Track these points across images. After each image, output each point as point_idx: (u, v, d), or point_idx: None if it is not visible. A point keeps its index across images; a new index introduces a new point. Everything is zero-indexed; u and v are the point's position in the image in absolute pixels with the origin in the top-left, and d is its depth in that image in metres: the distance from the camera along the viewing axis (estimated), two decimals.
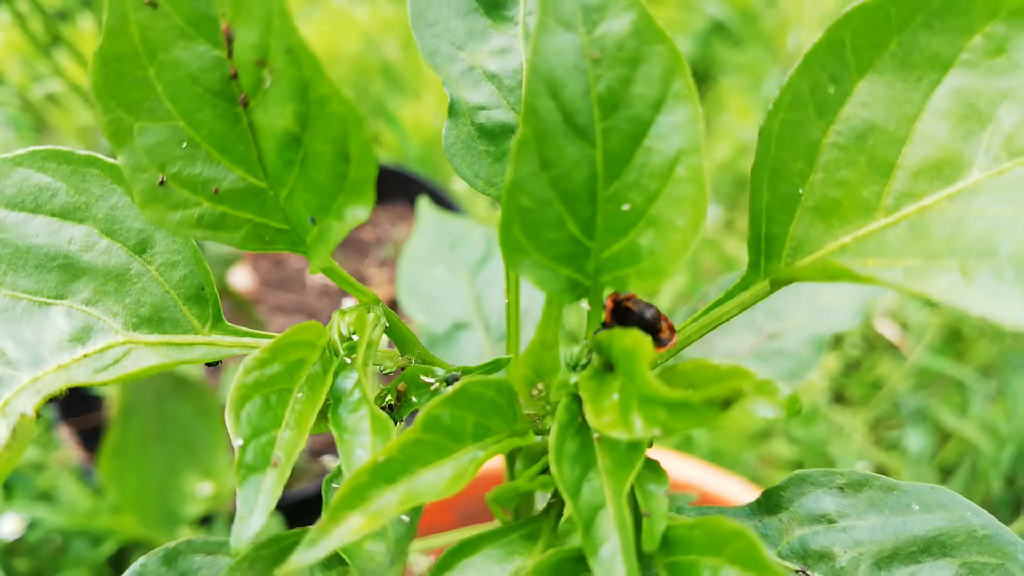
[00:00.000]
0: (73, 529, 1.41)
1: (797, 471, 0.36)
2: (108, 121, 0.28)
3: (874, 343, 1.57)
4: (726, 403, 0.24)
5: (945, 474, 1.43)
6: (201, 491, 1.30)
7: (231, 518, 1.32)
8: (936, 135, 0.28)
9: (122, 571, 1.38)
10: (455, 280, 0.78)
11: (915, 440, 1.46)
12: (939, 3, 0.28)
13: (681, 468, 0.82)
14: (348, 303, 1.53)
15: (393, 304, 1.55)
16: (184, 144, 0.29)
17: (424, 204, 0.87)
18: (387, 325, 0.35)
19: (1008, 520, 1.37)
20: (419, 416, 0.29)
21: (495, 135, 0.42)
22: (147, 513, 1.36)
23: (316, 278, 1.76)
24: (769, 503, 0.36)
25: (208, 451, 1.36)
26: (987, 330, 1.46)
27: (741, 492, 0.87)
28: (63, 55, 1.23)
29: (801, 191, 0.30)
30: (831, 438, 1.53)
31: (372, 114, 2.03)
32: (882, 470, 1.47)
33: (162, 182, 0.29)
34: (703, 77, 1.88)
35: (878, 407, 1.54)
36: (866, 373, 1.55)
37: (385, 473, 0.28)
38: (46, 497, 1.46)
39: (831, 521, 0.35)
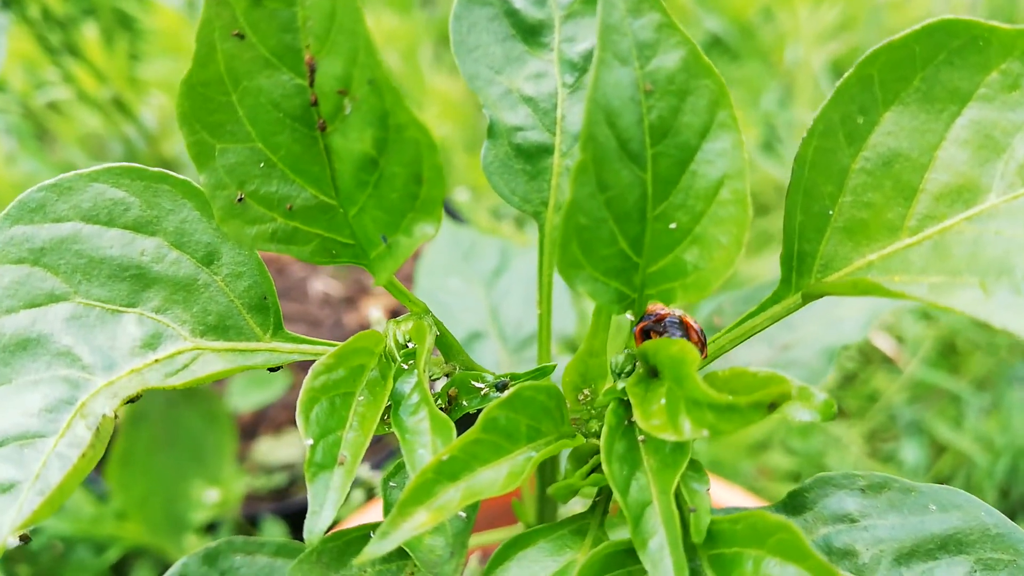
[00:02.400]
0: (77, 536, 1.41)
1: (820, 474, 0.39)
2: (192, 142, 0.31)
3: (870, 356, 1.60)
4: (772, 406, 0.26)
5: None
6: (208, 498, 1.31)
7: (237, 525, 1.33)
8: (956, 162, 0.31)
9: None
10: (470, 291, 0.81)
11: (911, 452, 1.48)
12: (960, 42, 0.30)
13: None
14: (349, 315, 1.52)
15: (396, 314, 1.57)
16: (262, 164, 0.31)
17: None
18: (437, 332, 0.37)
19: None
20: (479, 418, 0.31)
21: (531, 155, 0.45)
22: (154, 520, 1.37)
23: (317, 287, 1.78)
24: (794, 503, 0.38)
25: (215, 458, 1.37)
26: (982, 344, 1.49)
27: (741, 502, 0.90)
28: (70, 62, 1.25)
29: (831, 212, 0.33)
30: (828, 449, 1.55)
31: None
32: None
33: (240, 199, 0.31)
34: None
35: (874, 419, 1.57)
36: (862, 385, 1.58)
37: (448, 471, 0.30)
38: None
39: (853, 520, 0.37)
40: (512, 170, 0.45)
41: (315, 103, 0.30)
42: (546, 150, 0.45)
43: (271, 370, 0.37)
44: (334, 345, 0.38)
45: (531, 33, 0.46)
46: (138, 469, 1.30)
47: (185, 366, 0.35)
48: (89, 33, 1.49)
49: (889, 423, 1.57)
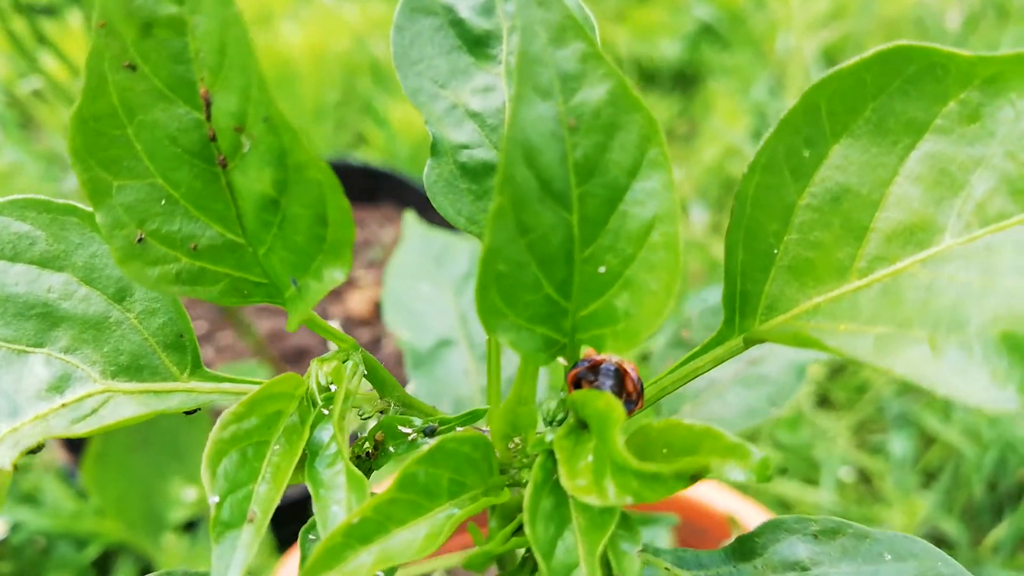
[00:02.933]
0: (57, 531, 1.40)
1: (772, 517, 0.37)
2: (87, 179, 0.28)
3: None
4: (695, 477, 0.24)
5: (928, 478, 1.45)
6: (186, 496, 1.30)
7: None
8: (909, 200, 0.29)
9: (107, 574, 1.37)
10: (440, 296, 0.79)
11: (899, 444, 1.47)
12: (915, 70, 0.28)
13: None
14: (334, 307, 1.50)
15: (379, 307, 1.55)
16: (163, 201, 0.29)
17: (410, 217, 0.87)
18: (365, 372, 0.35)
19: (990, 525, 1.39)
20: (396, 475, 0.29)
21: (477, 173, 0.42)
22: (132, 518, 1.36)
23: None
24: (743, 549, 0.37)
25: (194, 456, 1.35)
26: None
27: (727, 501, 0.88)
28: (48, 53, 1.22)
29: (776, 251, 0.30)
30: (816, 442, 1.54)
31: (360, 113, 2.03)
32: (866, 474, 1.49)
33: (140, 239, 0.29)
34: (691, 80, 1.88)
35: (862, 411, 1.56)
36: (851, 377, 1.56)
37: (359, 534, 0.28)
38: (30, 499, 1.45)
39: (804, 568, 0.35)
40: (457, 190, 0.43)
41: (214, 138, 0.27)
42: (493, 168, 0.42)
43: (187, 413, 0.35)
44: (259, 383, 0.36)
45: (478, 44, 0.44)
46: (114, 468, 1.29)
47: (94, 411, 0.33)
48: (73, 21, 1.46)
49: (877, 415, 1.55)
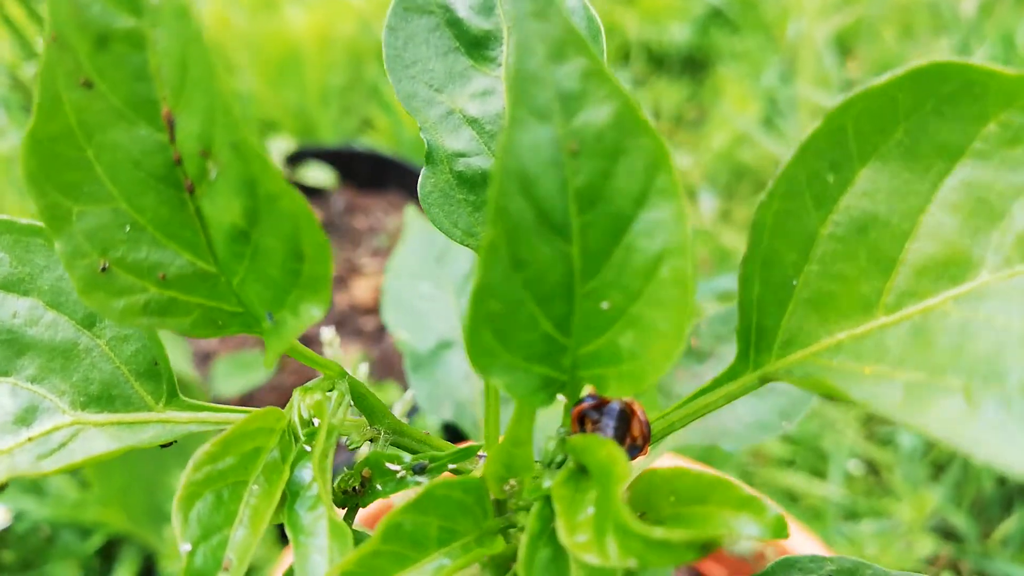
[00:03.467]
0: (61, 521, 1.40)
1: (785, 556, 0.34)
2: (44, 206, 0.26)
3: None
4: (707, 546, 0.22)
5: (938, 470, 1.43)
6: None
7: None
8: (943, 230, 0.26)
9: (111, 563, 1.37)
10: (441, 296, 0.76)
11: (908, 436, 1.45)
12: (951, 89, 0.25)
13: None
14: (339, 296, 1.48)
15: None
16: (128, 228, 0.27)
17: (411, 213, 0.84)
18: (351, 403, 0.33)
19: (999, 518, 1.37)
20: (379, 525, 0.27)
21: (475, 183, 0.40)
22: (134, 510, 1.35)
23: None
24: None
25: (198, 448, 1.33)
26: None
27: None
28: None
29: (795, 283, 0.28)
30: (824, 433, 1.52)
31: (366, 98, 2.00)
32: (874, 467, 1.46)
33: (104, 268, 0.27)
34: (701, 65, 1.85)
35: None
36: None
37: None
38: (34, 488, 1.45)
39: None
40: (454, 200, 0.40)
41: (179, 162, 0.25)
42: None
43: (163, 446, 0.32)
44: (241, 411, 0.34)
45: (476, 45, 0.41)
46: (116, 460, 1.28)
47: (62, 444, 0.31)
48: None
49: None
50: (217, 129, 0.23)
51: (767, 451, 1.49)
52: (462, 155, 0.40)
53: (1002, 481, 1.40)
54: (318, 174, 1.77)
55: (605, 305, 0.26)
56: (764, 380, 0.29)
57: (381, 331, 1.61)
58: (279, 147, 1.74)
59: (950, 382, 0.24)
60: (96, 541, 1.34)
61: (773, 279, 0.28)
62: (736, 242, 1.65)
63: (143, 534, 1.34)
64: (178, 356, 1.45)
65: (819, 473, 1.47)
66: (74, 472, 1.37)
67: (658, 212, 0.25)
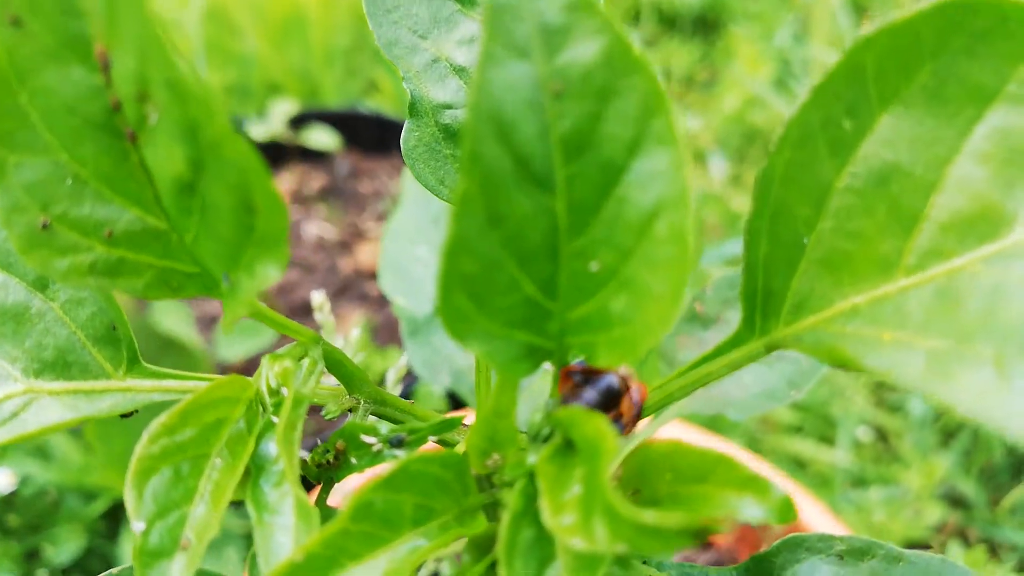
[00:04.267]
0: (66, 485, 1.40)
1: (792, 535, 0.32)
2: None
3: None
4: (703, 532, 0.19)
5: (947, 437, 1.41)
6: None
7: None
8: (972, 183, 0.23)
9: (117, 526, 1.36)
10: (438, 259, 0.74)
11: (918, 403, 1.43)
12: (983, 25, 0.22)
13: (678, 436, 0.79)
14: (344, 260, 1.45)
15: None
16: (69, 181, 0.24)
17: (409, 175, 0.82)
18: (324, 371, 0.30)
19: (1008, 486, 1.35)
20: (349, 502, 0.25)
21: (463, 137, 0.37)
22: None
23: (311, 231, 1.71)
24: (759, 569, 0.32)
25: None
26: None
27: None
28: None
29: (806, 241, 0.25)
30: (833, 400, 1.50)
31: (371, 60, 1.96)
32: (883, 433, 1.44)
33: (45, 225, 0.25)
34: (713, 25, 1.80)
35: None
36: None
37: (306, 572, 0.24)
38: (39, 452, 1.45)
39: None
40: (440, 155, 0.37)
41: (118, 107, 0.22)
42: None
43: (124, 416, 0.30)
44: (207, 379, 0.32)
45: None
46: (117, 425, 1.27)
47: (15, 414, 0.29)
48: None
49: None
50: (151, 66, 0.21)
51: (775, 418, 1.48)
52: (448, 107, 0.37)
53: (1012, 449, 1.38)
54: (322, 137, 1.74)
55: (594, 266, 0.23)
56: (771, 348, 0.27)
57: (386, 297, 1.59)
58: (283, 109, 1.71)
59: (979, 350, 0.21)
60: (101, 505, 1.35)
61: (782, 236, 0.25)
62: (747, 207, 1.62)
63: None
64: (180, 320, 1.44)
65: (827, 440, 1.45)
66: (78, 436, 1.37)
67: (653, 161, 0.22)
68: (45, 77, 0.22)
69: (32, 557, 1.33)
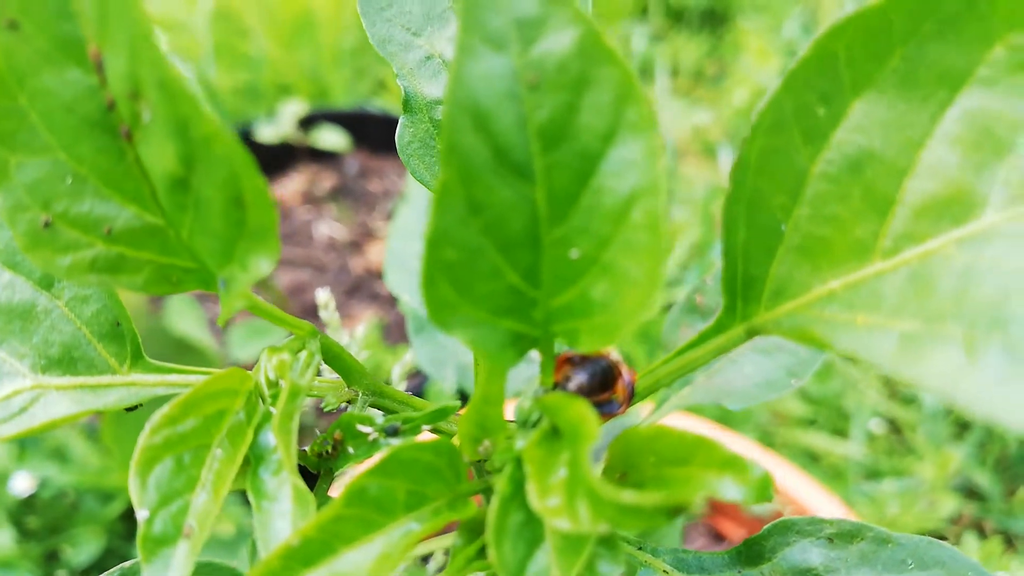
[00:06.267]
0: (84, 487, 1.42)
1: (782, 518, 0.33)
2: None
3: None
4: (677, 509, 0.20)
5: (961, 429, 1.40)
6: None
7: None
8: (944, 166, 0.24)
9: (135, 527, 1.39)
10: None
11: (931, 395, 1.42)
12: (952, 9, 0.23)
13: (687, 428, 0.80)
14: (355, 260, 1.47)
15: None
16: (69, 180, 0.25)
17: None
18: (320, 364, 0.31)
19: (1022, 478, 1.35)
20: (344, 489, 0.25)
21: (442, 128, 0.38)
22: None
23: (323, 231, 1.73)
24: (750, 552, 0.33)
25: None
26: None
27: (749, 454, 0.85)
28: None
29: (784, 227, 0.26)
30: (845, 392, 1.50)
31: (379, 60, 1.97)
32: (897, 425, 1.44)
33: (47, 223, 0.26)
34: (721, 18, 1.80)
35: None
36: None
37: (302, 556, 0.25)
38: (57, 455, 1.47)
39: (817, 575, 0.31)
40: (433, 151, 0.38)
41: (112, 107, 0.23)
42: None
43: (128, 410, 0.31)
44: (208, 372, 0.33)
45: None
46: (132, 425, 1.28)
47: (23, 409, 0.30)
48: None
49: None
50: (142, 66, 0.21)
51: (788, 410, 1.48)
52: (441, 103, 0.38)
53: (1023, 441, 1.37)
54: (331, 137, 1.75)
55: (575, 253, 0.24)
56: (751, 333, 0.27)
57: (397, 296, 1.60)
58: (292, 110, 1.73)
59: (949, 330, 0.21)
60: (118, 506, 1.36)
61: (760, 223, 0.26)
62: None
63: None
64: (194, 323, 1.45)
65: (840, 432, 1.45)
66: (95, 439, 1.38)
67: (628, 149, 0.22)
68: (43, 79, 0.23)
69: (52, 558, 1.35)
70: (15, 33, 0.23)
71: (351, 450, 0.30)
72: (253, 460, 0.28)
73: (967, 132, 0.23)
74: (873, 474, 1.39)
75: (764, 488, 0.23)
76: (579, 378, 0.26)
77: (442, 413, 0.30)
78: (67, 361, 0.31)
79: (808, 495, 0.90)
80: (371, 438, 0.30)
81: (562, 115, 0.22)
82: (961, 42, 0.23)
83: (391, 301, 1.59)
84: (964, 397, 0.20)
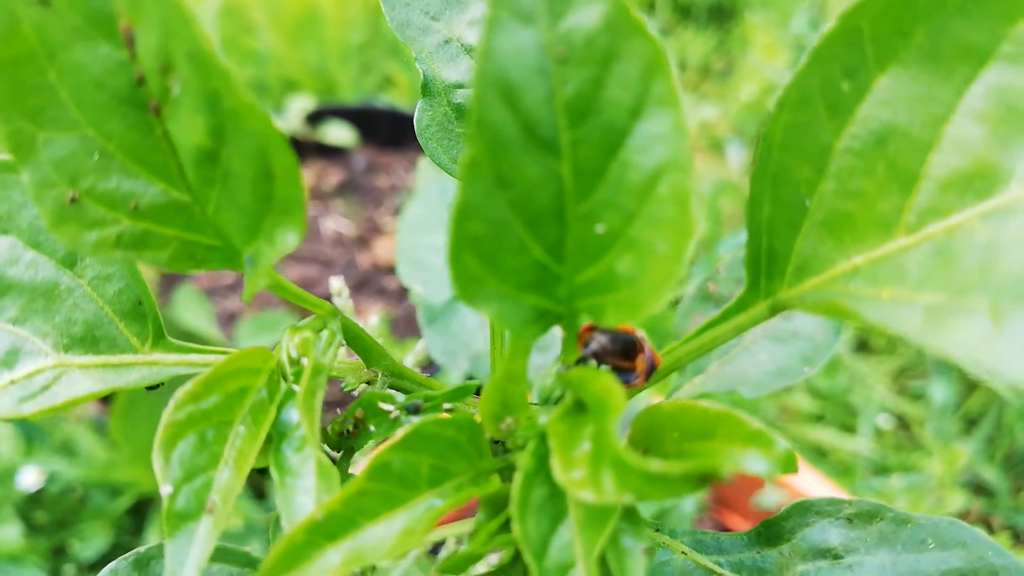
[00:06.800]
0: (92, 481, 1.42)
1: (801, 499, 0.33)
2: (9, 132, 0.25)
3: None
4: (705, 479, 0.20)
5: (970, 424, 1.40)
6: None
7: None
8: (968, 141, 0.24)
9: (142, 522, 1.39)
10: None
11: (939, 390, 1.42)
12: None
13: None
14: (362, 255, 1.47)
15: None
16: (96, 156, 0.25)
17: (424, 164, 0.83)
18: (343, 342, 0.31)
19: None
20: (367, 464, 0.26)
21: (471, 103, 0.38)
22: None
23: (329, 226, 1.73)
24: (769, 533, 0.33)
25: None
26: None
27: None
28: None
29: (808, 202, 0.26)
30: (853, 387, 1.50)
31: (386, 55, 1.97)
32: (905, 421, 1.44)
33: (74, 199, 0.26)
34: (728, 13, 1.80)
35: (902, 356, 1.50)
36: None
37: (326, 530, 0.25)
38: (65, 449, 1.47)
39: (837, 556, 0.31)
40: (453, 135, 0.38)
41: (142, 81, 0.23)
42: None
43: (150, 388, 0.31)
44: (229, 352, 0.33)
45: None
46: (140, 419, 1.29)
47: (45, 387, 0.30)
48: None
49: (918, 359, 1.50)
50: (174, 40, 0.22)
51: (796, 406, 1.48)
52: (460, 86, 0.38)
53: None
54: (339, 133, 1.75)
55: (600, 228, 0.24)
56: (775, 309, 0.28)
57: (404, 290, 1.60)
58: (299, 106, 1.73)
59: (974, 302, 0.22)
60: (126, 501, 1.36)
61: (785, 199, 0.26)
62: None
63: None
64: (201, 316, 1.46)
65: (848, 428, 1.45)
66: (103, 434, 1.39)
67: (655, 124, 0.23)
68: (73, 54, 0.24)
69: (59, 553, 1.36)
70: (47, 8, 0.23)
71: (372, 428, 0.30)
72: (275, 437, 0.28)
73: (991, 107, 0.24)
74: (881, 470, 1.38)
75: (789, 462, 0.23)
76: (601, 339, 0.27)
77: (463, 391, 0.30)
78: (89, 340, 0.31)
79: (816, 490, 0.90)
80: (392, 416, 0.30)
81: (589, 89, 0.23)
82: (985, 18, 0.23)
83: (398, 296, 1.59)
84: (990, 364, 0.20)
